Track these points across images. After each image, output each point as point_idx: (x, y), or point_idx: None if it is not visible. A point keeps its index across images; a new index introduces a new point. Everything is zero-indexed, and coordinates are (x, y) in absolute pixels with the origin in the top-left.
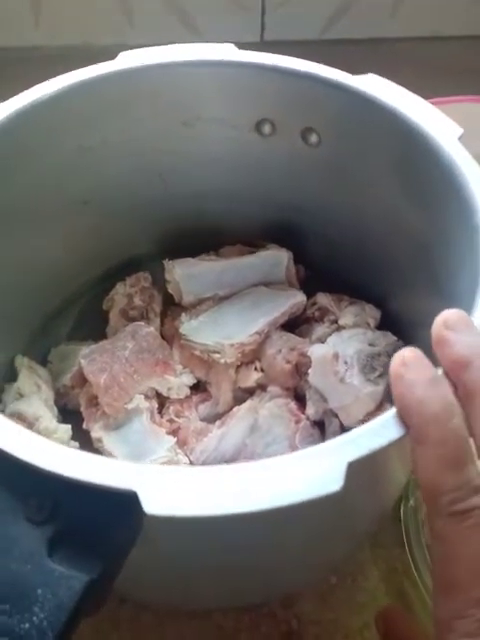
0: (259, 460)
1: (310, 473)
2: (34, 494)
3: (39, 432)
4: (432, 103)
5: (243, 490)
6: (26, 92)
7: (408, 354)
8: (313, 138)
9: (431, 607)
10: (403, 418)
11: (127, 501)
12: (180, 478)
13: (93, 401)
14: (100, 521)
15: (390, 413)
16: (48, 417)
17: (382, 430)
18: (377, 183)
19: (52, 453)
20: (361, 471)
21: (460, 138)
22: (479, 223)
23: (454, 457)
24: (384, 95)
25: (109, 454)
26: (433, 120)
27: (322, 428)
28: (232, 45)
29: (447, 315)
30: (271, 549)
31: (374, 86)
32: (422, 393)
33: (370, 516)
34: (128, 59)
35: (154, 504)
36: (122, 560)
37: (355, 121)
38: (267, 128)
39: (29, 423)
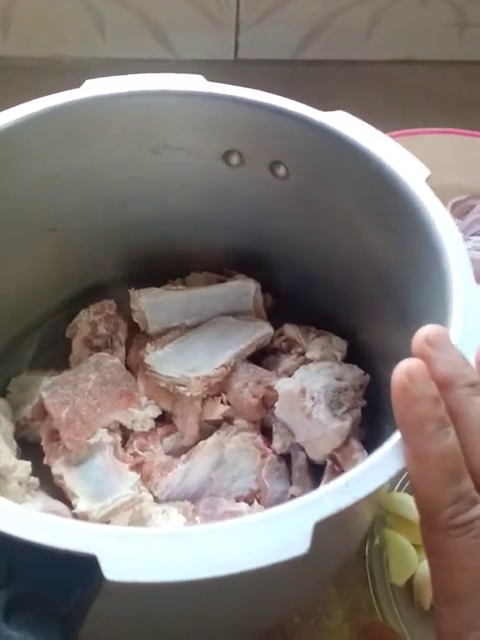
0: (221, 518)
1: (275, 536)
2: None
3: None
4: (399, 135)
5: (205, 554)
6: None
7: (413, 367)
8: (281, 171)
9: (436, 622)
10: (401, 430)
11: (86, 564)
12: (141, 542)
13: (54, 435)
14: (58, 585)
15: (354, 471)
16: (7, 453)
17: (347, 488)
18: (345, 217)
19: (8, 514)
20: (327, 529)
21: (427, 180)
22: (448, 266)
23: (453, 471)
24: (353, 133)
25: (70, 491)
26: (401, 161)
27: (288, 461)
28: (201, 76)
29: (428, 331)
30: (235, 606)
31: (343, 123)
32: (424, 412)
33: (336, 561)
34: (94, 87)
35: (115, 569)
36: (80, 622)
37: (324, 157)
38: (235, 159)
39: None
